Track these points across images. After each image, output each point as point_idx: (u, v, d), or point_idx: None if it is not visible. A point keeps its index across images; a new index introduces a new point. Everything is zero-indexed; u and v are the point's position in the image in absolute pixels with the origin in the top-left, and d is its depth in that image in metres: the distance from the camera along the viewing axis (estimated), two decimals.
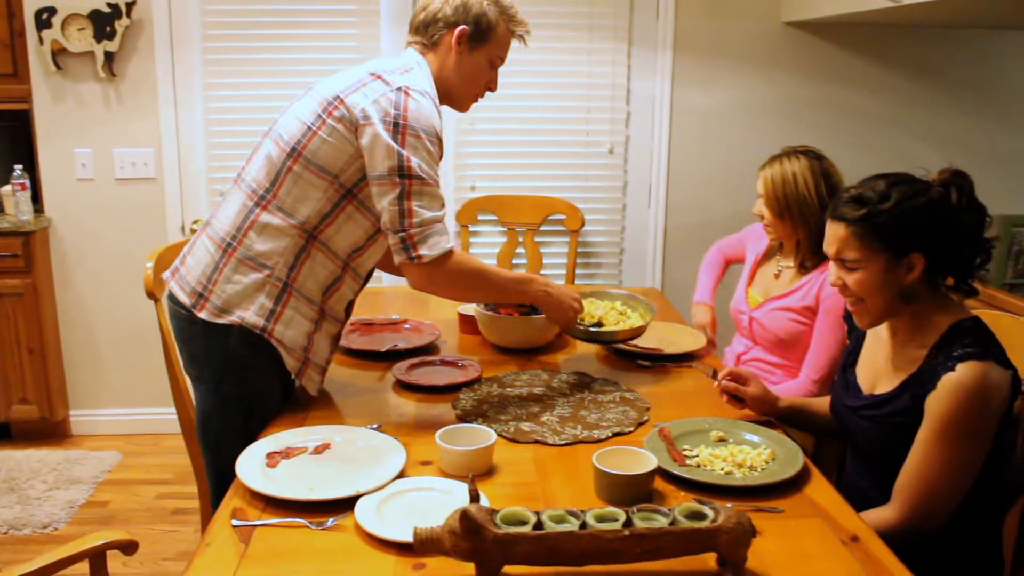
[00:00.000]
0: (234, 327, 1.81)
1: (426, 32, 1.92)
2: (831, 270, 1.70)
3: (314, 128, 1.78)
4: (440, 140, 1.82)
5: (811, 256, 2.31)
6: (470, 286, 1.93)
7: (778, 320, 2.33)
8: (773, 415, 1.88)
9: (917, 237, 1.58)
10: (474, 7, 1.90)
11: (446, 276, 1.83)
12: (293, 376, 1.89)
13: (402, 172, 1.75)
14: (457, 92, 1.97)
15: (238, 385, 1.87)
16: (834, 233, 1.65)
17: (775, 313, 2.35)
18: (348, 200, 1.82)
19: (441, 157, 1.86)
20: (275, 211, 1.80)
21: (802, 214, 2.27)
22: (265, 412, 1.87)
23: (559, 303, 2.01)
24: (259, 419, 1.84)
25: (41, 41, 3.36)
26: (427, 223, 1.78)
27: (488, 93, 2.04)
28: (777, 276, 2.41)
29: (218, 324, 1.81)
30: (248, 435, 1.76)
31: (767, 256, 2.51)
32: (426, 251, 1.78)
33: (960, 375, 1.52)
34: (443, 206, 1.83)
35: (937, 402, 1.55)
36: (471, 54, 1.93)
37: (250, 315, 1.80)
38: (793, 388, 2.25)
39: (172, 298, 1.90)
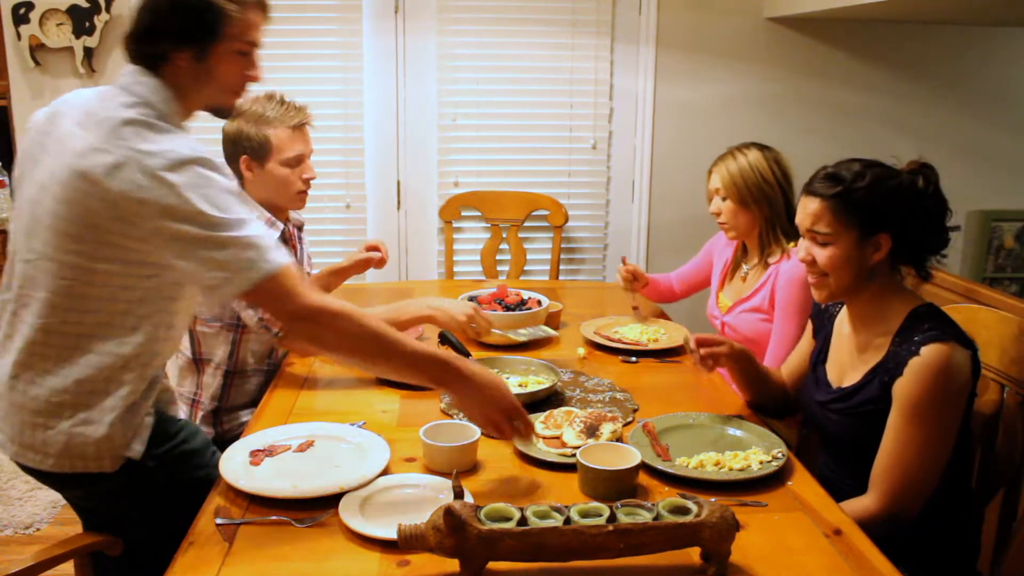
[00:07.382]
0: None
1: None
2: (800, 246, 1.74)
3: None
4: None
5: (772, 242, 2.34)
6: None
7: (748, 321, 2.37)
8: (749, 371, 1.92)
9: (888, 217, 1.64)
10: None
11: None
12: None
13: None
14: None
15: None
16: (808, 207, 1.69)
17: (743, 315, 2.39)
18: None
19: None
20: None
21: (765, 197, 2.32)
22: None
23: None
24: None
25: (19, 36, 3.32)
26: None
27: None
28: (744, 279, 2.45)
29: None
30: None
31: (735, 266, 2.53)
32: None
33: (925, 357, 1.56)
34: None
35: (905, 386, 1.58)
36: None
37: None
38: None
39: None
